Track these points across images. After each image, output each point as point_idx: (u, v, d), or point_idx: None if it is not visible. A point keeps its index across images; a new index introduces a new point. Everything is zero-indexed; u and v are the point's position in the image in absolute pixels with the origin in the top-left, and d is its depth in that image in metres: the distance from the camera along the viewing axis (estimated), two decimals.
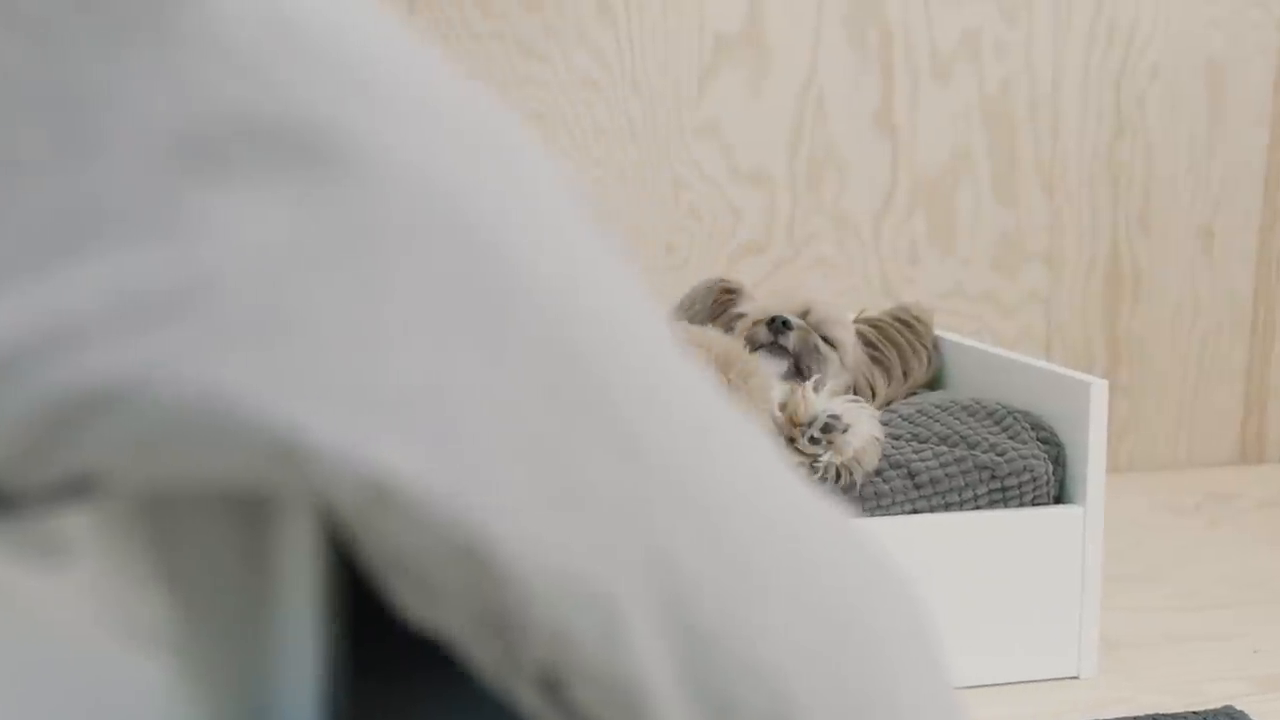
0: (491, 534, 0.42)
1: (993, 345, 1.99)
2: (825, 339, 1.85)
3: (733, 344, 1.78)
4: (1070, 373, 1.73)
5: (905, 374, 1.91)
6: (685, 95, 2.27)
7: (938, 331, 2.00)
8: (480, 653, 0.43)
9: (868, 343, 1.91)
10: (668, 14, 2.25)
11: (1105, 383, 1.69)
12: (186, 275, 0.40)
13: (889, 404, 1.87)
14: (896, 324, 1.95)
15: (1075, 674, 1.70)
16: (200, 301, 0.40)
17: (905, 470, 1.68)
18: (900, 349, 1.92)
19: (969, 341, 1.94)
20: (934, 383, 1.96)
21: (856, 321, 1.94)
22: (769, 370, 1.79)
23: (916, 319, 1.96)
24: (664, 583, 0.45)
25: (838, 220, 2.34)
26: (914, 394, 1.92)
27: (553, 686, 0.44)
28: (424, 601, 0.43)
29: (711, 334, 1.80)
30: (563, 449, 0.44)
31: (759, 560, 0.49)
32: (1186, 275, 2.45)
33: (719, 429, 0.51)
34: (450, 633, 0.43)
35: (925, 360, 1.93)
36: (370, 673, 0.52)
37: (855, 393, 1.85)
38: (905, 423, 1.76)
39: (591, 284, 0.48)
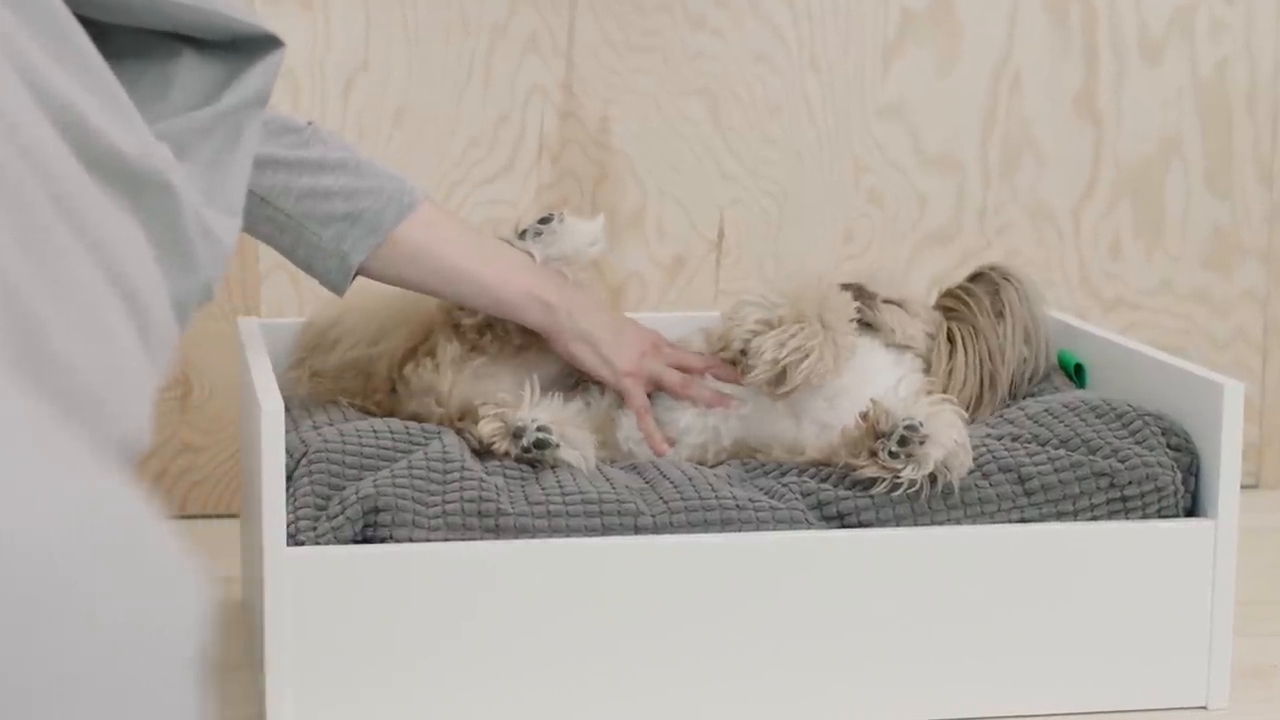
0: None
1: (1141, 346, 1.80)
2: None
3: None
4: (1205, 373, 1.58)
5: (990, 354, 1.68)
6: (868, 73, 2.15)
7: (1105, 333, 1.85)
8: None
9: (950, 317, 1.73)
10: None
11: (1241, 385, 1.54)
12: None
13: (980, 390, 1.70)
14: (971, 293, 1.73)
15: (1203, 703, 1.55)
16: None
17: (1015, 474, 1.54)
18: (971, 322, 1.70)
19: (1104, 333, 1.78)
20: (1077, 373, 1.79)
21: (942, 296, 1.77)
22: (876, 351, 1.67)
23: (1005, 279, 1.72)
24: None
25: (1034, 210, 2.19)
26: (1021, 375, 1.72)
27: None
28: None
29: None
30: None
31: None
32: None
33: None
34: None
35: (1012, 331, 1.69)
36: None
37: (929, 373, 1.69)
38: (1030, 422, 1.62)
39: None
